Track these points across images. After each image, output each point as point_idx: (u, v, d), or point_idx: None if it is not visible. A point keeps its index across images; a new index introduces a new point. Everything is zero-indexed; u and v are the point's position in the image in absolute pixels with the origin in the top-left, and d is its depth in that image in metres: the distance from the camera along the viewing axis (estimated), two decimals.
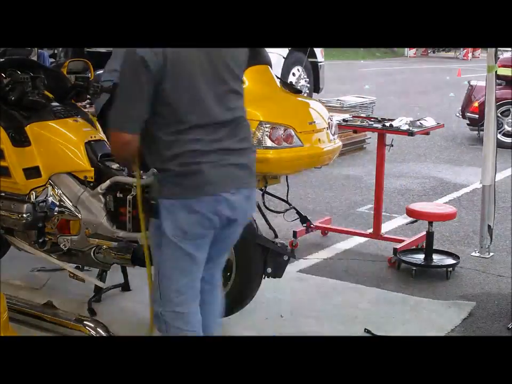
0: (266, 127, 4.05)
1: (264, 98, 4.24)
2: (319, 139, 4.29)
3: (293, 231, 5.64)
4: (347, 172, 7.87)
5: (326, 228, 5.94)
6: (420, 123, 5.54)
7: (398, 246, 5.37)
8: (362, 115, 6.49)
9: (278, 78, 4.53)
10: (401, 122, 5.51)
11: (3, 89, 4.42)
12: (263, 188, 4.42)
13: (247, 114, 3.12)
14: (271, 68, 4.45)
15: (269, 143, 4.07)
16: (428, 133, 5.82)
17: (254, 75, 4.12)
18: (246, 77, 3.40)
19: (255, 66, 4.15)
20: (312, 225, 5.66)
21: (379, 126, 5.62)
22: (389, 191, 7.45)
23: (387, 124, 5.53)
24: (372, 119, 5.88)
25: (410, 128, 5.46)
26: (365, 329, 4.18)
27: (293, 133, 4.12)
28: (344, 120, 5.84)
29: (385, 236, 5.71)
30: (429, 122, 5.62)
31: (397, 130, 5.49)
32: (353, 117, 6.03)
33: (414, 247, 5.51)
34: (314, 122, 4.36)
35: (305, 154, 4.21)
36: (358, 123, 5.77)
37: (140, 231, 4.09)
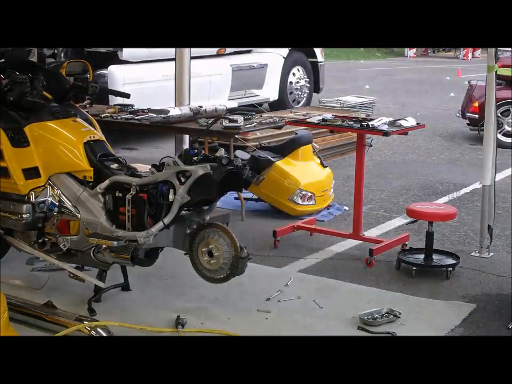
0: (301, 192, 6.38)
1: (304, 171, 6.54)
2: (324, 200, 6.59)
3: (273, 230, 5.65)
4: (347, 172, 7.87)
5: (308, 228, 5.94)
6: (400, 123, 5.47)
7: (375, 247, 5.34)
8: (340, 115, 6.43)
9: (315, 153, 6.82)
10: (380, 122, 5.44)
11: (2, 90, 4.41)
12: None
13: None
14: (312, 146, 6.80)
15: (299, 201, 6.39)
16: (406, 133, 5.75)
17: (301, 153, 6.57)
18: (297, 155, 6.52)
19: (301, 147, 6.55)
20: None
21: (357, 126, 5.51)
22: (389, 191, 7.45)
23: (365, 124, 5.47)
24: (353, 119, 5.82)
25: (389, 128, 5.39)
26: (358, 326, 4.19)
27: (313, 196, 6.46)
28: (323, 119, 5.76)
29: (364, 236, 5.68)
30: (409, 122, 5.54)
31: (373, 130, 5.45)
32: (335, 116, 5.96)
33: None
34: (326, 190, 6.60)
35: (315, 209, 6.52)
36: (339, 123, 5.70)
37: (139, 230, 4.11)
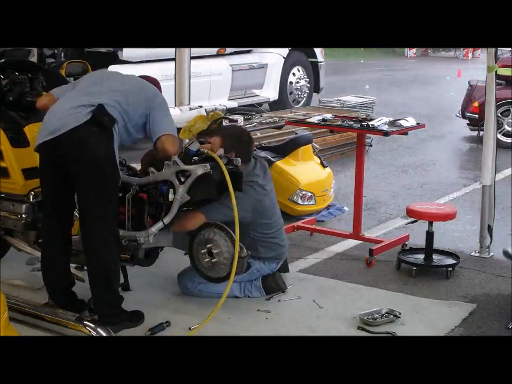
0: (301, 192, 6.38)
1: (304, 171, 6.55)
2: (324, 200, 6.59)
3: None
4: (347, 172, 7.87)
5: (308, 228, 5.94)
6: (400, 123, 5.46)
7: (375, 247, 5.34)
8: (340, 115, 6.44)
9: (316, 154, 6.87)
10: (380, 122, 5.43)
11: (2, 90, 4.42)
12: None
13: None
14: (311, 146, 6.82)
15: (299, 201, 6.38)
16: (406, 133, 5.76)
17: (301, 153, 6.58)
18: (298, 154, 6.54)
19: (301, 147, 6.56)
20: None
21: (357, 126, 5.51)
22: (389, 191, 7.45)
23: (365, 124, 5.46)
24: (353, 119, 5.82)
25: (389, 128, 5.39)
26: (358, 326, 4.20)
27: (313, 196, 6.45)
28: (323, 119, 5.75)
29: (364, 236, 5.67)
30: (409, 122, 5.53)
31: (373, 130, 5.44)
32: (335, 116, 5.95)
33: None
34: (326, 190, 6.60)
35: (315, 209, 6.51)
36: (339, 123, 5.70)
37: (139, 229, 4.11)
